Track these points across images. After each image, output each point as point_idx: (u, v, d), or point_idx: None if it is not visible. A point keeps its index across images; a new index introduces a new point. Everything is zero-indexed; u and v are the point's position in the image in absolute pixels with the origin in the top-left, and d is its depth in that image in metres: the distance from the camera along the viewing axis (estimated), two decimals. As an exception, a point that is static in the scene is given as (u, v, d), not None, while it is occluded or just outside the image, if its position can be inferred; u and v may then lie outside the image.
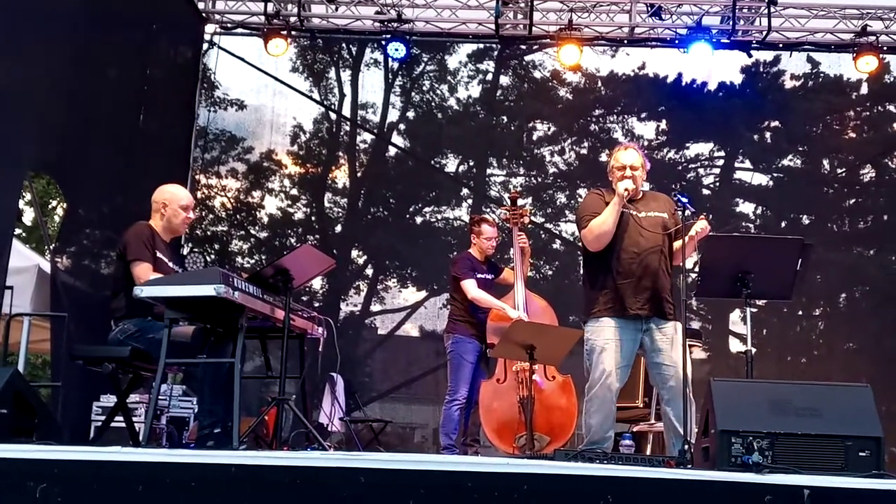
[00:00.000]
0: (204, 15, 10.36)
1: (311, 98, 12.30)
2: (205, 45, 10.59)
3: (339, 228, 12.81)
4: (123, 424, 5.65)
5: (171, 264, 5.51)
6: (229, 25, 10.44)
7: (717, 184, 13.02)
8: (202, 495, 3.73)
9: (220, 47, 10.62)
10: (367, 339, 12.46)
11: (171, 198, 5.71)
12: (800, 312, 12.28)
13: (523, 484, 3.73)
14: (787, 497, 3.61)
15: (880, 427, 4.15)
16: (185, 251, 6.01)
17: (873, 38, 9.95)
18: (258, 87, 11.67)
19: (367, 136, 12.83)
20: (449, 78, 13.09)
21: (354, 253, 12.77)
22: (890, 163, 12.32)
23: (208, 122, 11.43)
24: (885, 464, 4.65)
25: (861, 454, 4.06)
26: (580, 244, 5.72)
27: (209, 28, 10.49)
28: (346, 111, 12.76)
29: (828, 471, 3.95)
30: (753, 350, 5.39)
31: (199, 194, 11.52)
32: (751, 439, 4.02)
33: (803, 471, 3.86)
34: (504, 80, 13.20)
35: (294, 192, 12.86)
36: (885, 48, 10.25)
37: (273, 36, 9.94)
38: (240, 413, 4.85)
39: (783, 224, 12.40)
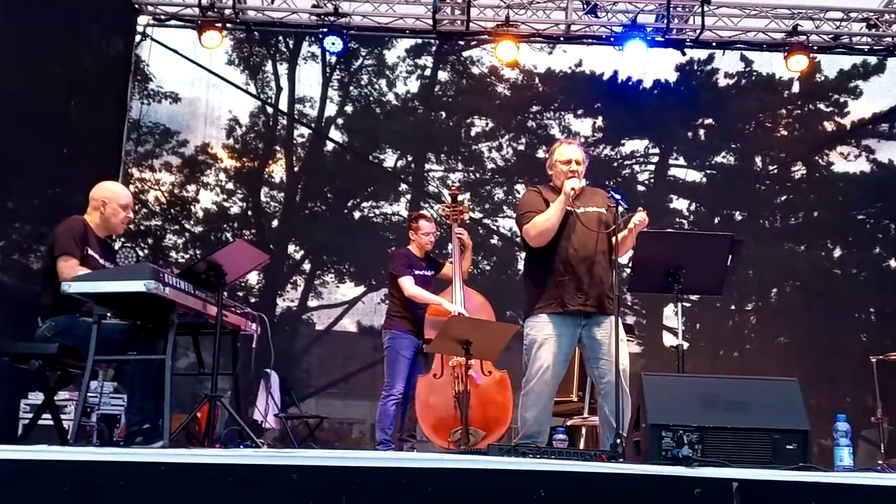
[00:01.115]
0: (137, 6, 10.18)
1: (246, 92, 12.17)
2: (137, 37, 10.40)
3: (275, 223, 12.70)
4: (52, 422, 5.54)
5: (102, 261, 5.41)
6: (163, 17, 10.28)
7: (652, 180, 13.15)
8: (131, 494, 3.67)
9: (153, 39, 10.44)
10: (304, 335, 12.37)
11: (112, 196, 5.61)
12: (732, 307, 12.47)
13: (456, 479, 3.73)
14: (715, 490, 3.65)
15: (807, 420, 4.23)
16: (117, 246, 5.89)
17: (804, 37, 10.14)
18: (193, 79, 11.51)
19: (305, 130, 12.74)
20: (387, 73, 13.04)
21: (291, 248, 12.67)
22: (820, 160, 12.56)
23: (141, 115, 11.24)
24: (815, 456, 4.75)
25: (788, 447, 4.14)
26: (519, 240, 5.74)
27: (142, 19, 10.32)
28: (283, 105, 12.65)
29: (756, 464, 4.01)
30: (686, 345, 5.45)
31: (132, 188, 11.31)
32: (681, 433, 4.07)
33: (732, 464, 3.92)
34: (442, 75, 13.19)
35: (230, 186, 12.70)
36: (815, 48, 10.45)
37: (207, 28, 9.80)
38: (173, 410, 4.79)
39: (716, 220, 12.59)
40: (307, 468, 3.75)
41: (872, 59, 11.70)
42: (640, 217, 5.27)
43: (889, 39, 10.35)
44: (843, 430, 4.48)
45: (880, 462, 7.00)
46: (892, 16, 10.24)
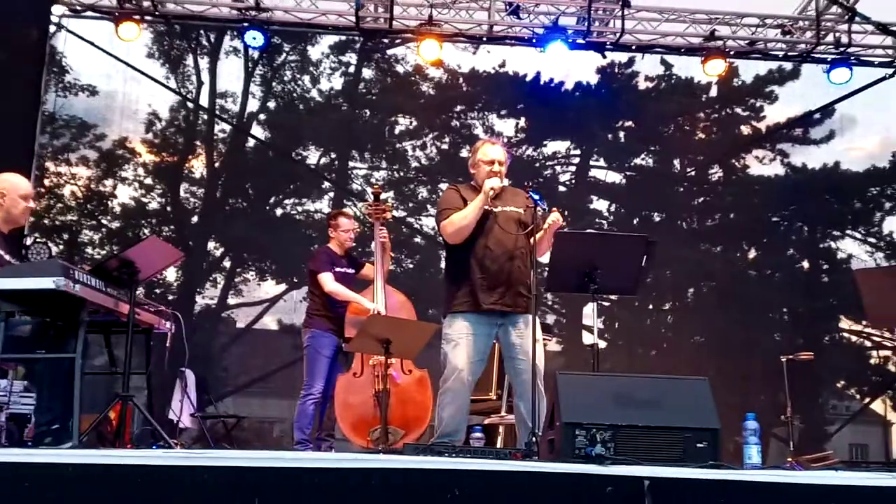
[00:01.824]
0: (52, -5, 9.93)
1: (165, 86, 11.95)
2: (52, 28, 10.13)
3: (195, 219, 12.54)
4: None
5: (7, 257, 5.25)
6: (79, 8, 10.01)
7: (573, 181, 13.31)
8: (37, 496, 3.57)
9: (68, 30, 10.17)
10: (224, 333, 12.24)
11: (11, 187, 5.43)
12: (650, 306, 12.70)
13: (371, 479, 3.71)
14: (627, 488, 3.68)
15: (717, 419, 4.30)
16: (29, 241, 5.74)
17: (721, 42, 10.32)
18: (110, 72, 11.30)
19: (226, 126, 12.59)
20: (311, 69, 12.97)
21: (211, 245, 12.53)
22: (737, 163, 12.85)
23: (56, 108, 10.98)
24: (730, 453, 4.85)
25: (699, 445, 4.20)
26: (440, 239, 5.73)
27: (57, 9, 10.04)
28: (205, 99, 12.49)
29: (667, 461, 4.06)
30: (602, 343, 5.52)
31: (46, 182, 11.08)
32: (594, 431, 4.11)
33: (644, 462, 3.95)
34: (367, 72, 13.18)
35: (149, 181, 12.52)
36: (732, 53, 10.65)
37: (124, 20, 9.59)
38: (86, 410, 4.68)
39: (635, 221, 12.79)
40: (219, 469, 3.69)
41: (788, 65, 11.99)
42: (555, 217, 5.30)
43: (803, 46, 10.59)
44: (752, 428, 4.58)
45: (790, 459, 7.17)
46: (807, 23, 10.49)
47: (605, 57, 10.77)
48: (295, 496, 3.65)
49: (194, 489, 3.62)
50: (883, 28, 10.52)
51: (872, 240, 12.94)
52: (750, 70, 12.48)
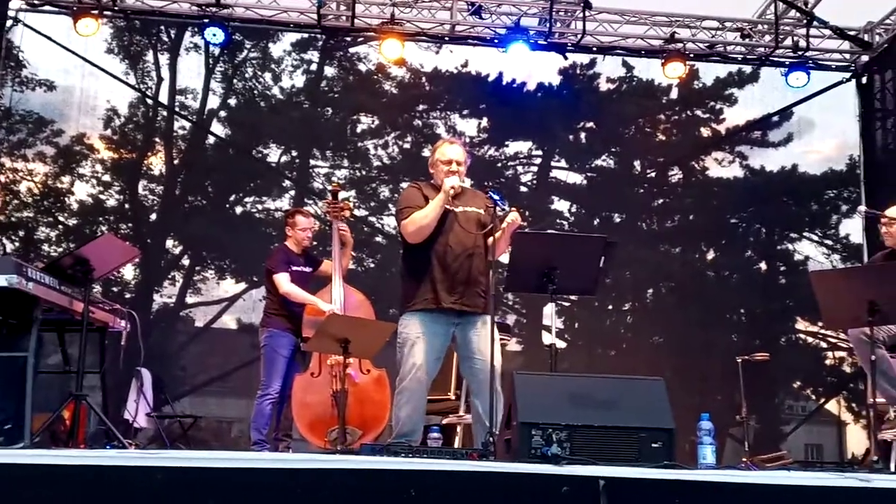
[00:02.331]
0: (8, -11, 9.79)
1: (124, 82, 11.81)
2: (9, 22, 9.98)
3: (153, 217, 12.40)
4: None
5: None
6: (36, 2, 9.89)
7: (535, 182, 13.35)
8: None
9: (25, 24, 10.03)
10: (182, 332, 12.14)
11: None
12: (610, 307, 12.77)
13: (327, 479, 3.69)
14: (582, 488, 3.70)
15: (672, 419, 4.33)
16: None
17: (680, 45, 10.41)
18: (69, 67, 11.14)
19: (186, 122, 12.47)
20: (272, 66, 12.88)
21: (170, 243, 12.41)
22: (696, 165, 12.96)
23: (13, 102, 10.84)
24: (688, 453, 4.88)
25: (654, 445, 4.23)
26: (400, 237, 5.72)
27: (14, 3, 9.91)
28: (164, 96, 12.36)
29: (622, 461, 4.08)
30: (562, 344, 5.54)
31: (2, 178, 10.93)
32: (550, 431, 4.12)
33: (599, 462, 3.98)
34: (329, 70, 13.13)
35: (107, 178, 12.36)
36: (692, 55, 10.75)
37: (83, 15, 9.48)
38: (38, 410, 4.63)
39: (596, 222, 12.85)
40: (173, 469, 3.65)
41: (747, 68, 12.10)
42: (512, 217, 5.30)
43: (762, 49, 10.71)
44: (706, 428, 4.62)
45: (744, 459, 7.25)
46: (765, 26, 10.61)
47: (566, 58, 10.82)
48: (250, 497, 3.63)
49: (148, 490, 3.58)
50: (840, 32, 10.67)
51: (829, 242, 13.12)
52: (710, 73, 12.58)
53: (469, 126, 13.07)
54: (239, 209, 12.74)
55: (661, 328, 12.35)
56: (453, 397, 7.04)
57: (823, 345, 12.76)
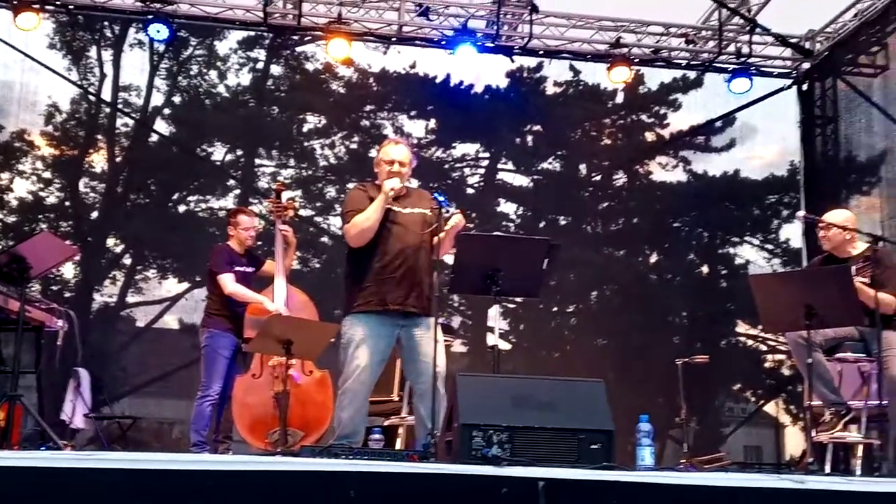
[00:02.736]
0: (-55, -19, 9.59)
1: (66, 78, 11.59)
2: (-55, 14, 9.78)
3: (95, 215, 12.19)
4: None
5: None
6: (-26, -5, 9.70)
7: (482, 184, 13.36)
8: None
9: (-39, 18, 9.82)
10: (123, 332, 11.93)
11: None
12: (555, 309, 12.83)
13: (266, 481, 3.67)
14: (522, 489, 3.72)
15: (611, 421, 4.37)
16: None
17: (626, 49, 10.52)
18: (9, 62, 10.89)
19: (129, 120, 12.28)
20: (218, 64, 12.73)
21: (111, 241, 12.20)
22: (641, 169, 13.06)
23: (-51, 98, 10.61)
24: (628, 455, 4.92)
25: (593, 447, 4.26)
26: (345, 239, 5.69)
27: (-48, -4, 9.71)
28: (108, 92, 12.17)
29: (562, 463, 4.11)
30: (507, 346, 5.57)
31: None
32: (491, 433, 4.14)
33: (539, 463, 4.00)
34: (276, 69, 13.00)
35: (47, 175, 12.12)
36: (636, 60, 10.86)
37: (23, 9, 9.32)
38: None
39: (542, 224, 12.89)
40: (109, 471, 3.60)
41: (692, 74, 12.24)
42: (456, 219, 5.31)
43: (706, 55, 10.86)
44: (645, 430, 4.66)
45: (683, 461, 7.33)
46: (709, 33, 10.75)
47: (513, 61, 10.90)
48: (188, 499, 3.59)
49: (84, 491, 3.53)
50: (782, 40, 10.86)
51: (770, 246, 13.30)
52: (655, 78, 12.69)
53: (416, 127, 13.06)
54: (182, 208, 12.58)
55: (605, 330, 12.44)
56: (397, 398, 7.02)
57: (763, 348, 12.94)
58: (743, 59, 10.60)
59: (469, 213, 12.94)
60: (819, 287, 5.51)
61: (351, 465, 3.89)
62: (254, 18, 10.06)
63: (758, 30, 10.56)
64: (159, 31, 9.49)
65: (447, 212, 5.27)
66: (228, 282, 6.81)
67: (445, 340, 5.73)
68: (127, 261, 12.34)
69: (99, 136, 12.28)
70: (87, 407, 7.63)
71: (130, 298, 12.11)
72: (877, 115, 10.52)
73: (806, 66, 11.19)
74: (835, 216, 6.29)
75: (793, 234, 12.64)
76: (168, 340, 11.99)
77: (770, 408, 13.00)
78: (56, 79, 11.37)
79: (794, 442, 12.40)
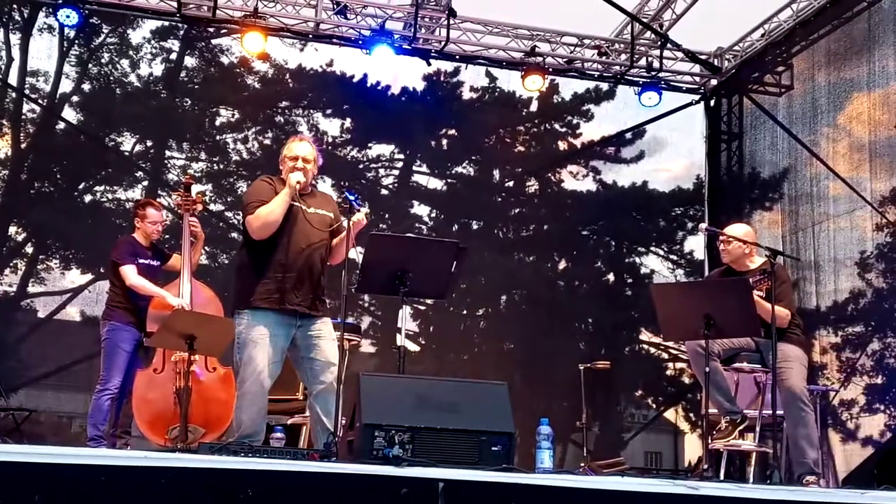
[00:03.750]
0: None
1: (-32, 60, 11.26)
2: None
3: (-4, 202, 11.85)
4: None
5: None
6: None
7: (396, 185, 13.37)
8: None
9: None
10: (22, 323, 11.62)
11: None
12: (464, 312, 12.91)
13: (160, 478, 3.61)
14: (422, 490, 3.74)
15: (513, 423, 4.43)
16: None
17: (540, 59, 10.65)
18: None
19: (36, 106, 11.96)
20: (130, 53, 12.47)
21: (13, 229, 11.86)
22: (552, 177, 13.23)
23: None
24: (531, 457, 4.98)
25: (494, 449, 4.32)
26: (244, 231, 5.63)
27: None
28: (14, 77, 11.82)
29: (463, 464, 4.16)
30: (415, 347, 5.59)
31: None
32: (393, 433, 4.16)
33: (440, 464, 4.03)
34: (189, 61, 12.80)
35: (-54, 160, 11.75)
36: (550, 69, 11.01)
37: (-75, -13, 9.02)
38: None
39: (454, 228, 12.96)
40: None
41: (605, 86, 12.46)
42: (358, 217, 5.30)
43: (618, 68, 11.07)
44: (545, 433, 4.74)
45: (582, 465, 7.46)
46: (622, 45, 10.96)
47: (429, 64, 10.93)
48: (81, 494, 3.52)
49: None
50: (692, 56, 11.13)
51: (674, 257, 13.60)
52: (569, 88, 12.86)
53: (332, 126, 12.97)
54: (88, 198, 12.29)
55: (513, 334, 12.55)
56: (301, 397, 6.99)
57: (665, 356, 13.21)
58: (653, 73, 10.84)
59: (383, 213, 12.99)
60: (718, 298, 5.67)
61: (249, 464, 3.86)
62: (167, 8, 9.90)
63: (668, 45, 10.80)
64: (69, 16, 9.27)
65: (358, 209, 5.27)
66: (131, 273, 6.70)
67: (352, 340, 5.74)
68: (29, 250, 12.03)
69: (3, 122, 11.91)
70: (-20, 399, 7.43)
71: (31, 288, 11.80)
72: (781, 133, 10.85)
73: (714, 82, 11.49)
74: (735, 230, 6.47)
75: (696, 245, 12.95)
76: (69, 332, 11.70)
77: (670, 414, 13.28)
78: (-42, 62, 11.05)
79: (693, 448, 12.69)
